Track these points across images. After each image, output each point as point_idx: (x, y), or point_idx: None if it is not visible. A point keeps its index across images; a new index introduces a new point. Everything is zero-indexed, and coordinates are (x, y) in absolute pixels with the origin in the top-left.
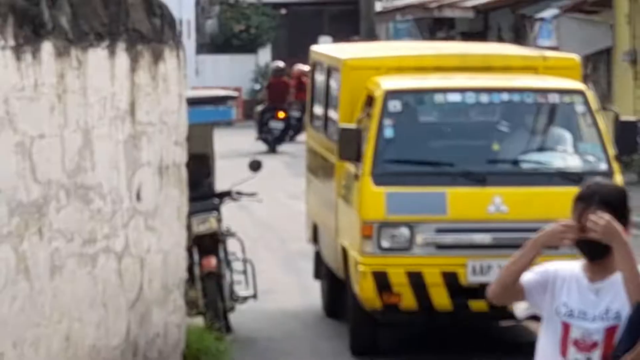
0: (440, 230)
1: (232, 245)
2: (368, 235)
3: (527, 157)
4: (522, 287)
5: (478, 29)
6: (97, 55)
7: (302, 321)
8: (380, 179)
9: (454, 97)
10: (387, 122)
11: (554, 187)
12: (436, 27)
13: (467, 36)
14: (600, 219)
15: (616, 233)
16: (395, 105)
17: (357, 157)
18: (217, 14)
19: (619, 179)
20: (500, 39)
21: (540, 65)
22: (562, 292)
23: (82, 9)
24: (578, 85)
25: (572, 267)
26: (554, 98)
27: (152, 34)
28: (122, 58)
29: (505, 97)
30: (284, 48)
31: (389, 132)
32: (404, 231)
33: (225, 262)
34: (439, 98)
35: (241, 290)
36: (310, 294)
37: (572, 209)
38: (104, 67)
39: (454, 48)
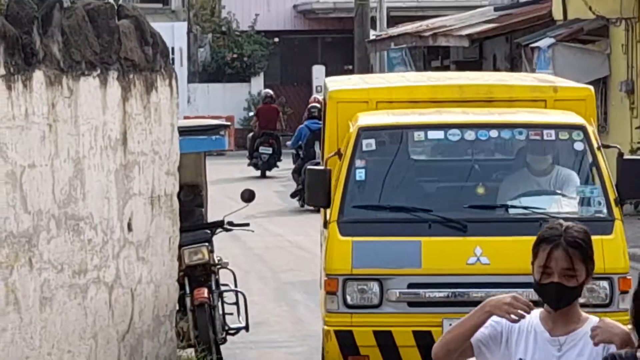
0: (413, 285)
1: (224, 276)
2: (332, 290)
3: (516, 201)
4: (470, 345)
5: (473, 57)
6: (88, 84)
7: (294, 353)
8: (348, 227)
9: (436, 135)
10: (359, 162)
11: None
12: (430, 56)
13: (462, 65)
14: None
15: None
16: (369, 144)
17: (325, 203)
18: (210, 42)
19: (619, 227)
20: (495, 68)
21: (549, 97)
22: (518, 347)
23: (74, 38)
24: (577, 119)
25: (530, 317)
26: (549, 134)
27: (144, 63)
28: (114, 87)
29: (493, 133)
30: (276, 76)
31: (360, 174)
32: (373, 286)
33: (217, 293)
34: (418, 135)
35: (233, 322)
36: (302, 326)
37: (534, 252)
38: (95, 96)
39: (454, 79)
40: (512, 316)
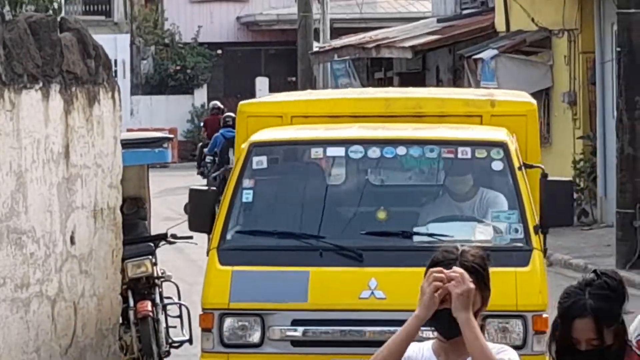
0: (297, 322)
1: (167, 289)
2: (207, 327)
3: (421, 228)
4: None
5: (416, 69)
6: (30, 97)
7: None
8: (228, 255)
9: (336, 151)
10: (247, 182)
11: None
12: (374, 67)
13: (405, 77)
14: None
15: (470, 302)
16: (260, 162)
17: (208, 228)
18: (152, 54)
19: (538, 258)
20: (438, 80)
21: (486, 112)
22: None
23: (15, 51)
24: (498, 136)
25: (421, 347)
26: (464, 152)
27: (87, 76)
28: (56, 100)
29: (401, 151)
30: (220, 88)
31: (247, 196)
32: (253, 322)
33: (161, 306)
34: (316, 152)
35: (176, 335)
36: None
37: (426, 278)
38: (37, 109)
39: (381, 92)
40: (439, 291)
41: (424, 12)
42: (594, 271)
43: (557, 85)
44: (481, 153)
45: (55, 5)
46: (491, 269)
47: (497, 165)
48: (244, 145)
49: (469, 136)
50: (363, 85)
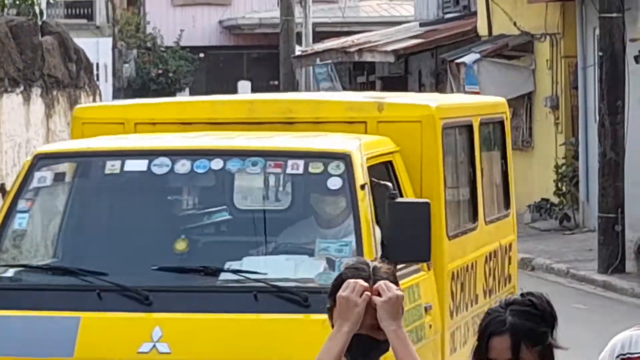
0: None
1: None
2: None
3: (228, 263)
4: None
5: (398, 73)
6: (11, 101)
7: None
8: None
9: (136, 165)
10: (23, 204)
11: (258, 314)
12: (356, 71)
13: (387, 81)
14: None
15: (400, 311)
16: (43, 179)
17: None
18: (135, 58)
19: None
20: (420, 84)
21: (372, 118)
22: None
23: None
24: (342, 146)
25: None
26: (295, 167)
27: (68, 79)
28: (38, 104)
29: (217, 164)
30: (202, 92)
31: (22, 221)
32: None
33: None
34: (112, 166)
35: None
36: None
37: (332, 299)
38: (18, 113)
39: (249, 96)
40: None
41: (407, 16)
42: (521, 293)
43: (540, 90)
44: (316, 167)
45: (37, 9)
46: (303, 316)
47: (334, 183)
48: (29, 157)
49: (306, 146)
50: (345, 89)
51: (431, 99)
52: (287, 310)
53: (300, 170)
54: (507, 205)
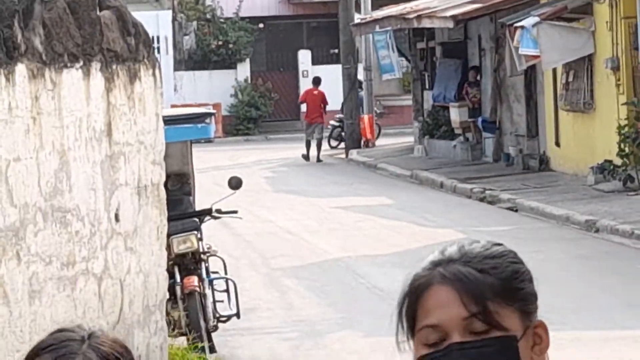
0: None
1: (213, 263)
2: None
3: None
4: None
5: (458, 38)
6: (71, 76)
7: (285, 339)
8: None
9: None
10: None
11: None
12: (416, 37)
13: (447, 46)
14: None
15: None
16: None
17: None
18: (195, 29)
19: None
20: (480, 48)
21: None
22: None
23: (55, 30)
24: None
25: None
26: None
27: (127, 53)
28: (97, 78)
29: None
30: (262, 63)
31: None
32: None
33: (207, 281)
34: None
35: (224, 309)
36: (293, 312)
37: None
38: (78, 88)
39: None
40: None
41: None
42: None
43: (600, 52)
44: None
45: None
46: None
47: None
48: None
49: None
50: (404, 56)
51: None
52: None
53: None
54: None
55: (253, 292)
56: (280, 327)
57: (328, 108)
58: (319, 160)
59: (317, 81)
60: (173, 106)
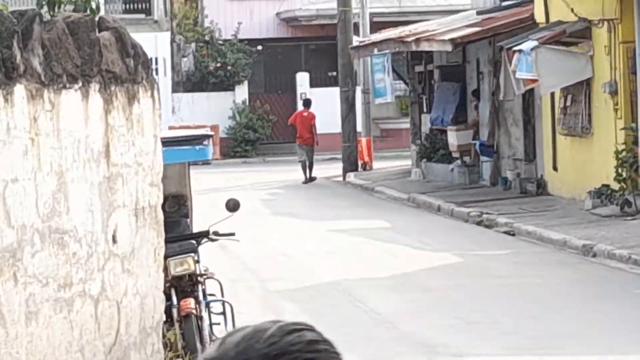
0: None
1: (210, 286)
2: None
3: None
4: None
5: (456, 62)
6: (70, 97)
7: None
8: None
9: None
10: None
11: None
12: (414, 61)
13: (445, 69)
14: None
15: None
16: None
17: None
18: (193, 51)
19: None
20: (479, 72)
21: None
22: None
23: (54, 51)
24: None
25: None
26: None
27: (126, 75)
28: (96, 99)
29: None
30: (260, 85)
31: None
32: None
33: (204, 304)
34: None
35: (220, 332)
36: None
37: None
38: (77, 109)
39: None
40: None
41: (463, 4)
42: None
43: (598, 76)
44: None
45: (94, 4)
46: None
47: None
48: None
49: None
50: (402, 80)
51: None
52: None
53: None
54: None
55: (249, 314)
56: None
57: (326, 131)
58: (311, 179)
59: (307, 103)
60: (171, 128)
